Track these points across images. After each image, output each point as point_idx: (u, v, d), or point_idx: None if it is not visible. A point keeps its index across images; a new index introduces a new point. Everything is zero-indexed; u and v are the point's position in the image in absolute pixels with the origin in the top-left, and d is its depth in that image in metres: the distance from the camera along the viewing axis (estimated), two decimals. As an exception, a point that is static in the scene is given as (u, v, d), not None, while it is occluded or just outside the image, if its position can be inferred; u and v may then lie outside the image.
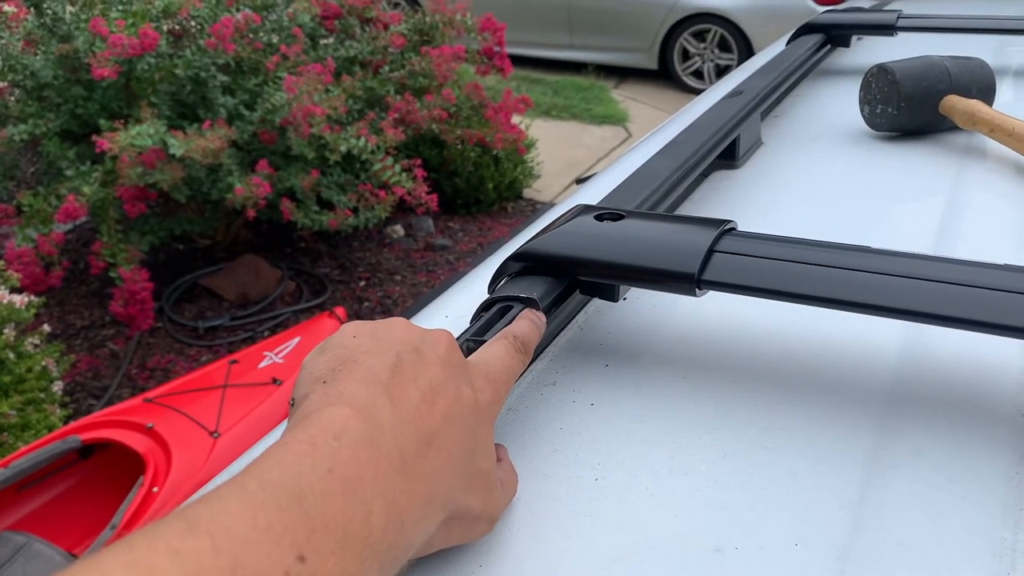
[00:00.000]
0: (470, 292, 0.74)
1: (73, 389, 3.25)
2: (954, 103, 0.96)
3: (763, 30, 6.09)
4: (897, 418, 0.54)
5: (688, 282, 0.55)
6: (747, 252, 0.57)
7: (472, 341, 0.54)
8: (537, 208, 4.75)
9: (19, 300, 2.63)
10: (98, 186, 3.10)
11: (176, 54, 3.24)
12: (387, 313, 3.74)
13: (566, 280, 0.61)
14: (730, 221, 0.60)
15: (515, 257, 0.62)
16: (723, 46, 6.51)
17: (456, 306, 0.72)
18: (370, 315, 3.73)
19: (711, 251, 0.56)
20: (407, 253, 4.22)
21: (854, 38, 1.33)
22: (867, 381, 0.58)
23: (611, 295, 0.61)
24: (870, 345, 0.61)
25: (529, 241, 0.63)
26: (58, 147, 3.26)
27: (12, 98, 3.39)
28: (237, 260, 3.85)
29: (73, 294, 3.82)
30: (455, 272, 4.05)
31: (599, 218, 0.62)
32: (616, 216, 0.62)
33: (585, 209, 0.65)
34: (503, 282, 0.62)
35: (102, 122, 3.12)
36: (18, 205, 3.20)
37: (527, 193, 4.90)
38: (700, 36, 6.59)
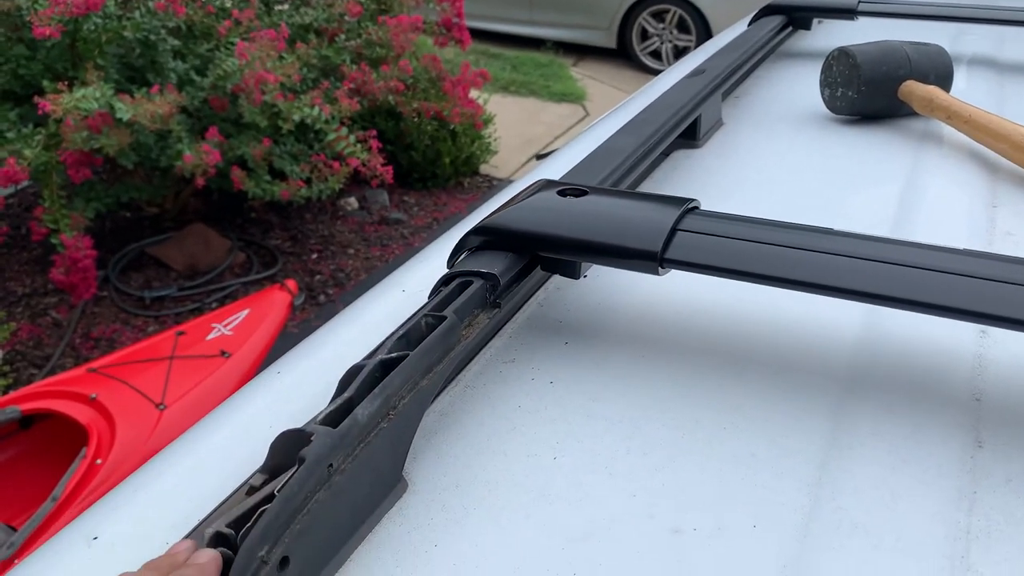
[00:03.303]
0: (428, 266, 0.73)
1: (13, 358, 3.16)
2: (913, 88, 0.96)
3: (722, 12, 6.10)
4: (855, 400, 0.54)
5: (651, 260, 0.54)
6: (710, 231, 0.56)
7: (431, 316, 0.52)
8: (494, 184, 4.72)
9: (-44, 266, 2.54)
10: (41, 149, 2.99)
11: (125, 16, 3.13)
12: (339, 287, 3.70)
13: (527, 256, 0.60)
14: (693, 200, 0.59)
15: (476, 231, 0.60)
16: (682, 27, 6.51)
17: (414, 280, 0.71)
18: (322, 288, 3.68)
19: (674, 230, 0.56)
20: (361, 226, 4.17)
21: (815, 21, 1.34)
22: (826, 363, 0.58)
23: (572, 272, 0.60)
24: (830, 327, 0.61)
25: (490, 215, 0.61)
26: (-1, 108, 3.14)
27: (-50, 55, 3.26)
28: (186, 229, 3.76)
29: (14, 260, 3.70)
30: (410, 247, 4.01)
31: (562, 193, 0.61)
32: (579, 192, 0.61)
33: (547, 184, 0.64)
34: (463, 256, 0.61)
35: (46, 83, 3.01)
36: (-45, 167, 3.08)
37: (484, 169, 4.87)
38: (659, 16, 6.58)
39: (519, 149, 5.14)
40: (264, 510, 0.38)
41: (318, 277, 3.76)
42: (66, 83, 2.95)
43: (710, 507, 0.46)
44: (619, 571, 0.43)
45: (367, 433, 0.44)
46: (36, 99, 2.89)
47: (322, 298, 3.64)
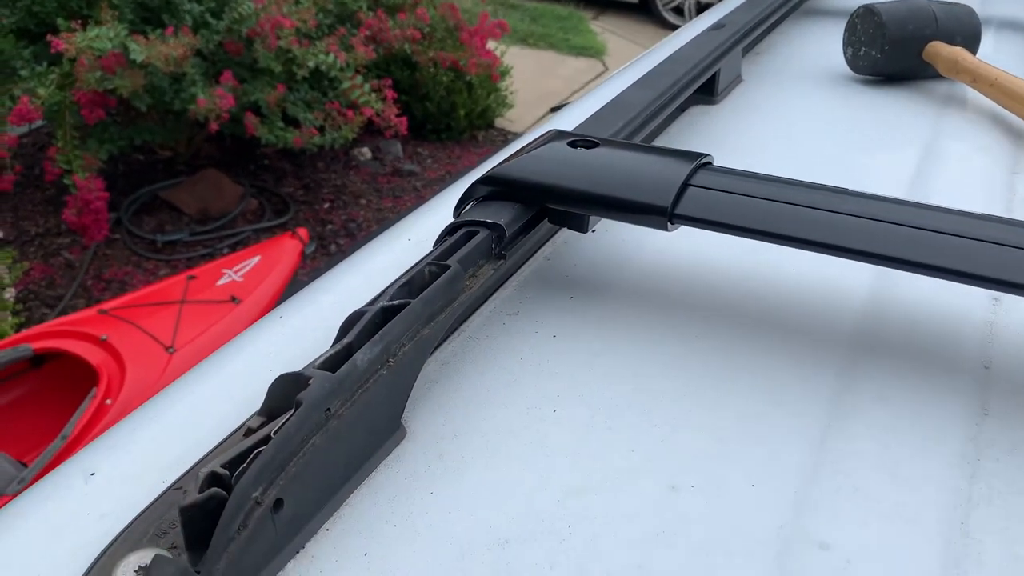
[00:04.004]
0: (435, 215, 0.72)
1: (26, 297, 3.18)
2: (938, 49, 0.94)
3: (747, -31, 5.99)
4: (862, 364, 0.53)
5: (661, 215, 0.53)
6: (723, 188, 0.55)
7: (434, 265, 0.52)
8: (509, 138, 4.68)
9: (-31, 203, 2.55)
10: (55, 88, 2.98)
11: (140, -46, 3.10)
12: (350, 237, 3.69)
13: (535, 207, 0.59)
14: (706, 155, 0.58)
15: (484, 180, 0.59)
16: (706, -17, 6.40)
17: (421, 229, 0.70)
18: (333, 238, 3.68)
19: (686, 184, 0.54)
20: (373, 177, 4.15)
21: (841, -22, 1.30)
22: (834, 326, 0.57)
23: (580, 225, 0.59)
24: (839, 290, 0.60)
25: (499, 164, 0.60)
26: (12, 45, 3.12)
27: (-36, -10, 3.23)
28: (199, 174, 3.75)
29: (27, 200, 3.71)
30: (421, 199, 3.99)
31: (573, 144, 0.60)
32: (590, 144, 0.59)
33: (558, 135, 0.62)
34: (470, 206, 0.60)
35: (60, 21, 2.98)
36: (-31, 104, 3.07)
37: (499, 122, 4.82)
38: (683, -29, 6.47)
39: (535, 103, 5.08)
40: (259, 452, 0.38)
41: (329, 226, 3.76)
42: (80, 22, 2.92)
43: (709, 465, 0.46)
44: (614, 525, 0.42)
45: (366, 379, 0.44)
46: (49, 37, 2.86)
47: (333, 247, 3.64)
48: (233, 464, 0.38)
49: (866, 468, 0.46)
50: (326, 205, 3.88)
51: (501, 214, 0.56)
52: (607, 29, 6.49)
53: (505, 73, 4.59)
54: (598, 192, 0.56)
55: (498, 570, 0.40)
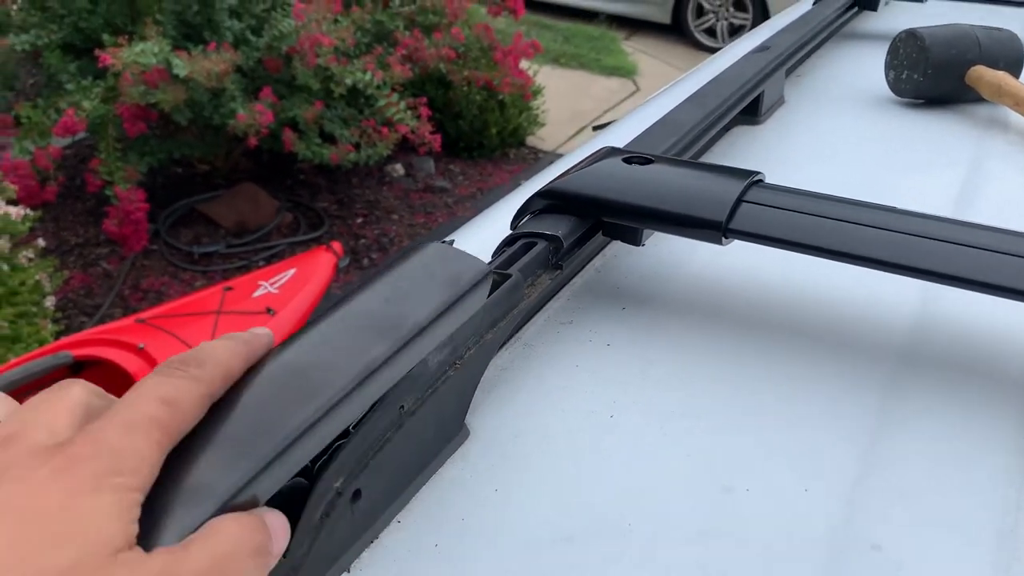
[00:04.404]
0: (487, 229, 0.74)
1: (65, 305, 3.25)
2: (981, 73, 0.95)
3: (779, -9, 6.01)
4: (909, 375, 0.55)
5: (715, 230, 0.55)
6: (775, 204, 0.57)
7: (497, 274, 0.54)
8: (540, 156, 4.71)
9: (15, 212, 2.62)
10: (99, 102, 3.05)
11: (184, -28, 3.17)
12: (383, 251, 3.73)
13: (590, 221, 0.61)
14: (758, 172, 0.60)
15: (541, 194, 0.62)
16: (739, 5, 6.41)
17: (473, 241, 0.72)
18: (366, 252, 3.72)
19: (740, 200, 0.56)
20: (406, 193, 4.19)
21: (882, 2, 1.32)
22: (880, 339, 0.59)
23: (634, 239, 0.62)
24: (886, 305, 0.62)
25: (556, 179, 0.63)
26: (59, 60, 3.21)
27: (15, 7, 3.32)
28: (236, 188, 3.82)
29: (68, 211, 3.79)
30: (453, 215, 4.03)
31: (627, 161, 0.62)
32: (645, 160, 0.62)
33: (612, 151, 0.65)
34: (527, 219, 0.62)
35: (105, 37, 3.06)
36: (16, 116, 3.15)
37: (530, 141, 4.86)
38: (716, -7, 6.50)
39: (567, 122, 5.12)
40: (340, 444, 0.40)
41: (362, 241, 3.80)
42: (125, 37, 3.00)
43: (762, 469, 0.48)
44: (673, 524, 0.44)
45: (436, 379, 0.46)
46: (96, 52, 2.94)
47: (366, 262, 3.68)
48: (315, 457, 0.41)
49: (915, 475, 0.47)
50: (359, 220, 3.93)
51: (558, 226, 0.59)
52: (639, 49, 6.52)
53: (537, 92, 4.63)
54: (654, 207, 0.58)
55: (565, 565, 0.42)
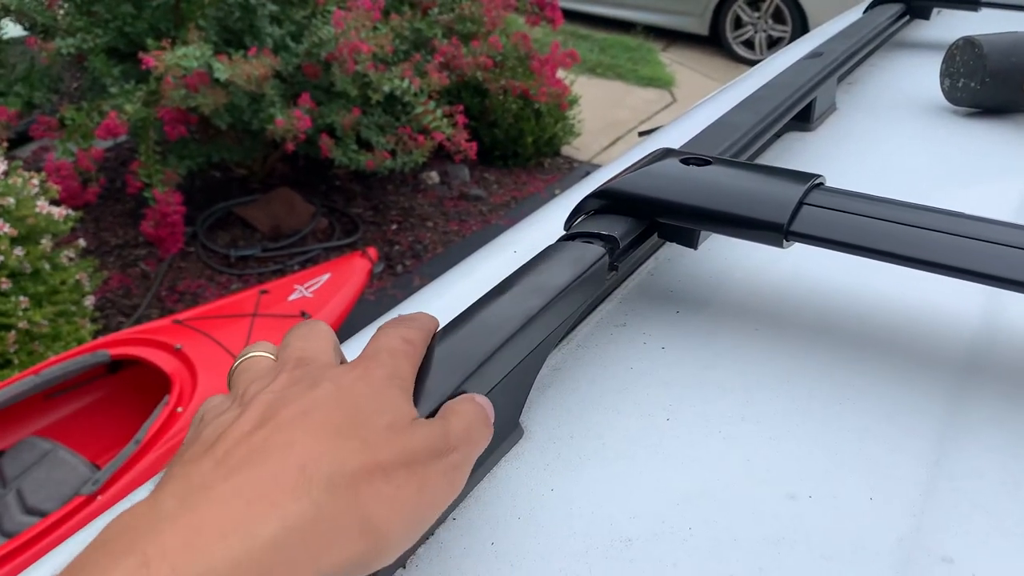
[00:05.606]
0: (537, 229, 0.74)
1: (104, 305, 3.29)
2: (1040, 82, 0.93)
3: (819, 3, 5.96)
4: (974, 385, 0.53)
5: (776, 232, 0.54)
6: (836, 207, 0.55)
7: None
8: (575, 166, 4.71)
9: (57, 212, 2.66)
10: (140, 105, 3.10)
11: (228, -21, 3.21)
12: (417, 259, 3.75)
13: (645, 222, 0.60)
14: (819, 176, 0.59)
15: (596, 195, 0.61)
16: (778, 17, 6.38)
17: (525, 242, 0.72)
18: (400, 259, 3.74)
19: (801, 203, 0.55)
20: (441, 200, 4.21)
21: (935, 10, 1.30)
22: (944, 347, 0.57)
23: (690, 241, 0.61)
24: (949, 312, 0.60)
25: (611, 180, 0.62)
26: (104, 63, 3.26)
27: (61, 11, 3.39)
28: (272, 192, 3.85)
29: (108, 212, 3.85)
30: (487, 224, 4.03)
31: (685, 162, 0.61)
32: (703, 161, 0.61)
33: (669, 152, 0.64)
34: (581, 219, 0.62)
35: (149, 41, 3.11)
36: (61, 118, 3.21)
37: (565, 150, 4.86)
38: (755, 5, 6.46)
39: (602, 132, 5.11)
40: None
41: (397, 247, 3.81)
42: (168, 42, 3.04)
43: (825, 477, 0.47)
44: (734, 529, 0.43)
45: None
46: (140, 55, 2.98)
47: (400, 268, 3.69)
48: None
49: (984, 486, 0.46)
50: (394, 226, 3.95)
51: (614, 227, 0.58)
52: (676, 61, 6.50)
53: (574, 102, 4.63)
54: (713, 208, 0.57)
55: (623, 566, 0.41)
